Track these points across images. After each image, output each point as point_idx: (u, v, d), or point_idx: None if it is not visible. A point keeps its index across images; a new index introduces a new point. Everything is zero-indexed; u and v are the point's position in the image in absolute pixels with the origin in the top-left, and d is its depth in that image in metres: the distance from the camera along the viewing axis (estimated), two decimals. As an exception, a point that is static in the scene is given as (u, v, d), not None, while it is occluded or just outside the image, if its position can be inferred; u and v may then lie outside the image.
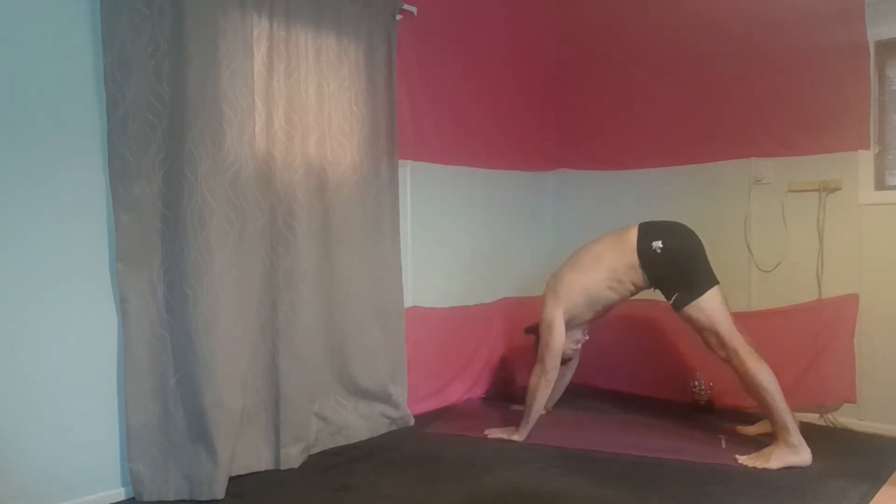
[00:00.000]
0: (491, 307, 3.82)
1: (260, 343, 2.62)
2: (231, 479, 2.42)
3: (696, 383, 3.39)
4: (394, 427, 3.11)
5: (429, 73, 3.41)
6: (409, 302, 3.29)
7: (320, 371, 2.84)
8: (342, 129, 2.91)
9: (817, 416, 3.15)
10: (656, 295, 3.16)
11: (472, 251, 3.73)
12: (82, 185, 2.23)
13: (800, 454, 2.60)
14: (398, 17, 3.14)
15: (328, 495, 2.36)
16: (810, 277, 3.19)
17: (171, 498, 2.32)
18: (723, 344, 2.75)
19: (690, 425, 3.12)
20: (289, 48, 2.68)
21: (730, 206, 3.44)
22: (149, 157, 2.31)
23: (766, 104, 3.31)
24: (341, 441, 2.89)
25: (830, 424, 3.11)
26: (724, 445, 2.84)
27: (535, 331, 3.10)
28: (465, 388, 3.66)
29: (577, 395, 3.67)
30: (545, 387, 2.91)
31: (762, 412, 2.81)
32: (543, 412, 3.27)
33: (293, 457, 2.63)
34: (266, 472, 2.58)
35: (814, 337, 3.16)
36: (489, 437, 2.98)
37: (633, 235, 2.91)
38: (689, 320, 2.82)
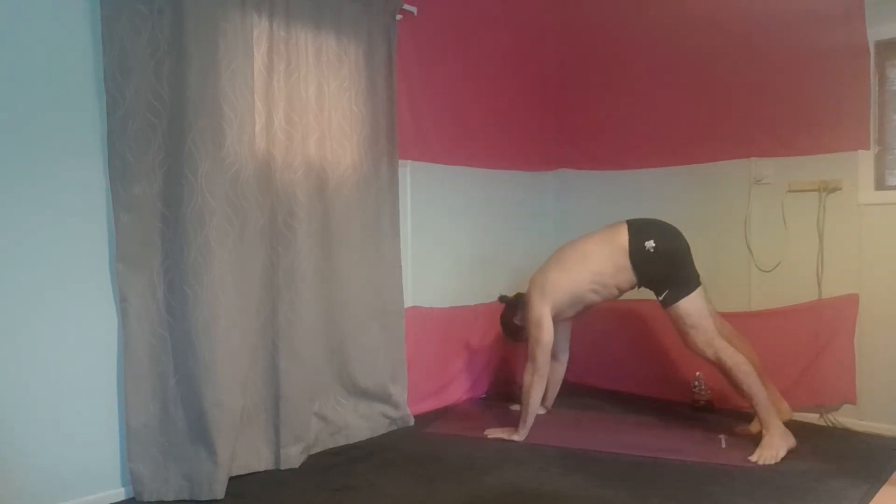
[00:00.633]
0: (491, 307, 3.81)
1: (260, 343, 2.62)
2: (231, 479, 2.42)
3: (696, 383, 3.38)
4: (394, 427, 3.11)
5: (429, 73, 3.41)
6: (409, 302, 3.29)
7: (320, 371, 2.84)
8: (342, 129, 2.91)
9: (817, 416, 3.14)
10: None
11: (472, 251, 3.73)
12: (82, 185, 2.23)
13: (788, 435, 2.71)
14: (398, 17, 3.14)
15: (328, 495, 2.36)
16: (810, 277, 3.19)
17: (171, 498, 2.32)
18: (709, 342, 2.80)
19: (690, 425, 3.12)
20: (289, 48, 2.68)
21: (730, 206, 3.44)
22: (149, 157, 2.32)
23: (766, 104, 3.31)
24: (341, 441, 2.89)
25: (830, 424, 3.11)
26: (723, 445, 2.84)
27: (507, 300, 3.20)
28: (465, 388, 3.66)
29: (576, 395, 3.68)
30: (539, 384, 2.92)
31: (746, 399, 2.82)
32: (543, 411, 3.28)
33: (293, 457, 2.63)
34: (266, 472, 2.58)
35: (814, 337, 3.16)
36: (489, 437, 2.98)
37: (624, 236, 2.92)
38: (678, 317, 2.85)
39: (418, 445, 2.89)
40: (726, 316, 3.24)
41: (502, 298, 3.26)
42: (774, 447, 2.66)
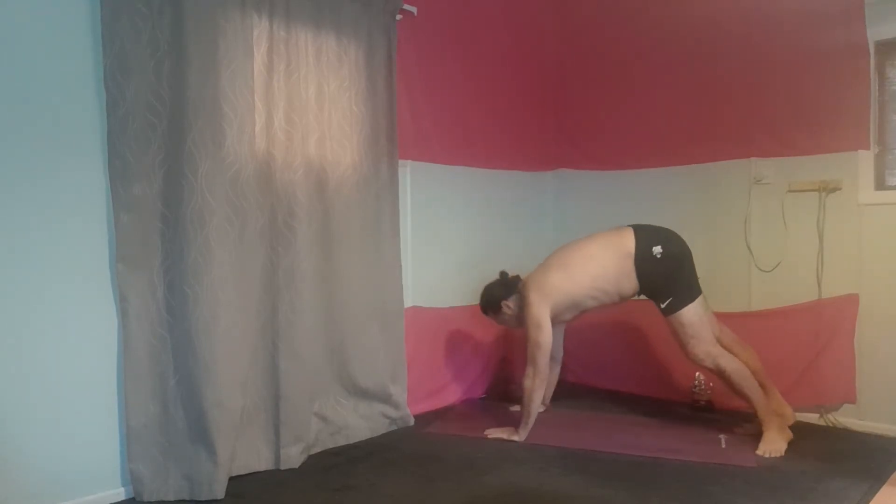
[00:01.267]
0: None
1: (260, 343, 2.62)
2: (231, 479, 2.42)
3: (696, 383, 3.38)
4: (394, 427, 3.11)
5: (429, 73, 3.41)
6: (409, 302, 3.29)
7: (320, 371, 2.84)
8: (342, 129, 2.91)
9: (817, 416, 3.15)
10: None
11: (472, 251, 3.72)
12: (82, 185, 2.23)
13: (785, 429, 2.79)
14: (398, 17, 3.14)
15: (328, 495, 2.36)
16: (810, 277, 3.19)
17: (171, 498, 2.32)
18: (708, 352, 2.84)
19: (690, 425, 3.12)
20: (289, 48, 2.68)
21: (730, 206, 3.44)
22: (149, 157, 2.31)
23: (766, 104, 3.31)
24: (341, 441, 2.89)
25: (830, 424, 3.11)
26: (723, 445, 2.84)
27: (506, 277, 3.17)
28: (465, 388, 3.66)
29: (576, 395, 3.68)
30: (540, 386, 2.91)
31: (745, 401, 2.86)
32: (542, 409, 3.28)
33: (293, 457, 2.63)
34: (266, 472, 2.58)
35: (814, 337, 3.16)
36: (489, 437, 2.98)
37: (630, 240, 2.90)
38: (680, 326, 2.87)
39: (418, 445, 2.89)
40: (726, 316, 3.24)
41: (503, 274, 3.21)
42: (776, 440, 2.72)
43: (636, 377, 3.73)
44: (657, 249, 2.86)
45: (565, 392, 3.61)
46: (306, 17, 2.75)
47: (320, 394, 2.86)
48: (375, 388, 3.04)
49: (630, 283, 2.91)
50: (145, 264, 2.32)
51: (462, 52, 3.60)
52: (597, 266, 2.93)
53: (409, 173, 3.34)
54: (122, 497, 2.33)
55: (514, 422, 3.03)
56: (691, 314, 2.85)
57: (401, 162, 3.19)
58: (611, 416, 3.33)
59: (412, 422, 3.17)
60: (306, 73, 2.75)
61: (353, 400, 2.99)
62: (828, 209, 3.15)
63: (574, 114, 4.11)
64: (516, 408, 3.26)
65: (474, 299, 3.70)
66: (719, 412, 3.29)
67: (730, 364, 2.81)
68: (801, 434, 2.79)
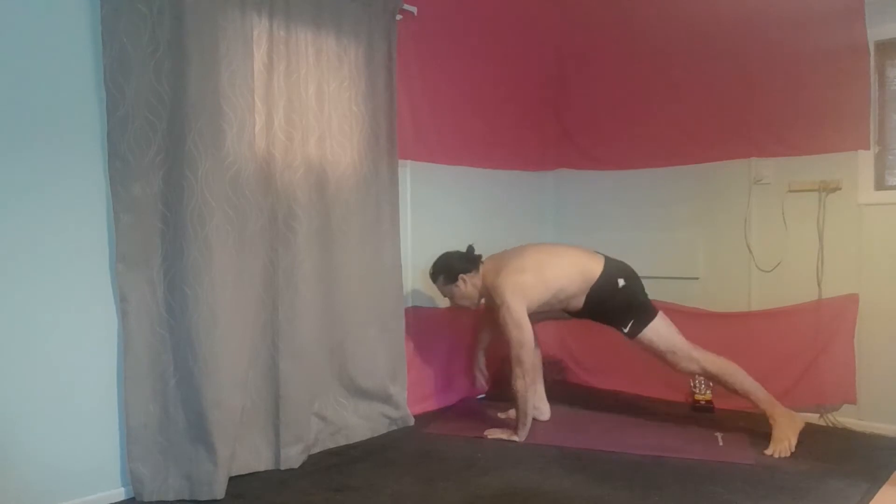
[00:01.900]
0: (491, 307, 3.82)
1: (260, 343, 2.62)
2: (231, 479, 2.42)
3: (696, 383, 3.38)
4: (394, 427, 3.11)
5: (429, 73, 3.41)
6: (409, 302, 3.29)
7: (320, 371, 2.84)
8: (342, 129, 2.91)
9: (817, 416, 3.15)
10: (657, 296, 3.17)
11: (472, 251, 3.72)
12: (82, 185, 2.22)
13: (796, 417, 2.79)
14: (398, 17, 3.14)
15: (328, 495, 2.36)
16: (810, 277, 3.19)
17: (171, 498, 2.32)
18: (689, 358, 2.89)
19: (690, 425, 3.12)
20: (289, 48, 2.68)
21: (730, 206, 3.44)
22: (149, 157, 2.31)
23: (766, 104, 3.31)
24: (341, 441, 2.89)
25: (830, 424, 3.11)
26: (721, 444, 2.84)
27: (471, 252, 3.10)
28: (465, 388, 3.66)
29: (576, 395, 3.68)
30: (531, 385, 2.92)
31: (747, 401, 2.89)
32: (545, 417, 3.25)
33: (293, 457, 2.63)
34: (266, 472, 2.58)
35: (814, 337, 3.16)
36: (489, 437, 2.98)
37: (598, 267, 2.98)
38: (650, 343, 2.94)
39: (418, 445, 2.89)
40: (726, 316, 3.25)
41: (470, 248, 3.14)
42: (786, 438, 2.72)
43: (636, 377, 3.72)
44: (621, 281, 2.96)
45: (566, 392, 3.61)
46: (306, 16, 2.75)
47: (320, 394, 2.86)
48: (375, 388, 3.04)
49: (577, 303, 3.01)
50: (145, 264, 2.32)
51: (462, 51, 3.60)
52: (565, 279, 2.97)
53: (409, 173, 3.34)
54: (122, 497, 2.33)
55: (514, 423, 3.03)
56: (657, 329, 2.93)
57: (401, 162, 3.19)
58: (611, 416, 3.33)
59: (412, 422, 3.17)
60: (306, 73, 2.75)
61: (353, 400, 2.98)
62: (828, 209, 3.15)
63: (574, 114, 4.11)
64: (506, 415, 3.26)
65: (474, 299, 3.72)
66: (719, 412, 3.29)
67: (714, 363, 2.86)
68: (802, 434, 2.79)
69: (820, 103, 3.15)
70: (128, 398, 2.29)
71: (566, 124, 4.15)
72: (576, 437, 2.96)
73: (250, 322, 2.56)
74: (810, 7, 3.16)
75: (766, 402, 2.82)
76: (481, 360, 3.45)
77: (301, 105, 2.71)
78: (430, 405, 3.43)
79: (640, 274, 3.07)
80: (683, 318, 3.22)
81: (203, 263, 2.34)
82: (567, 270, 2.98)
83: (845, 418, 3.10)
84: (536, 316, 3.08)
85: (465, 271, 3.07)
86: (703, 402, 3.36)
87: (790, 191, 3.24)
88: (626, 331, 2.95)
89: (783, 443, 2.71)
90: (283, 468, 2.60)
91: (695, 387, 3.39)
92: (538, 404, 3.21)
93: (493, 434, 2.99)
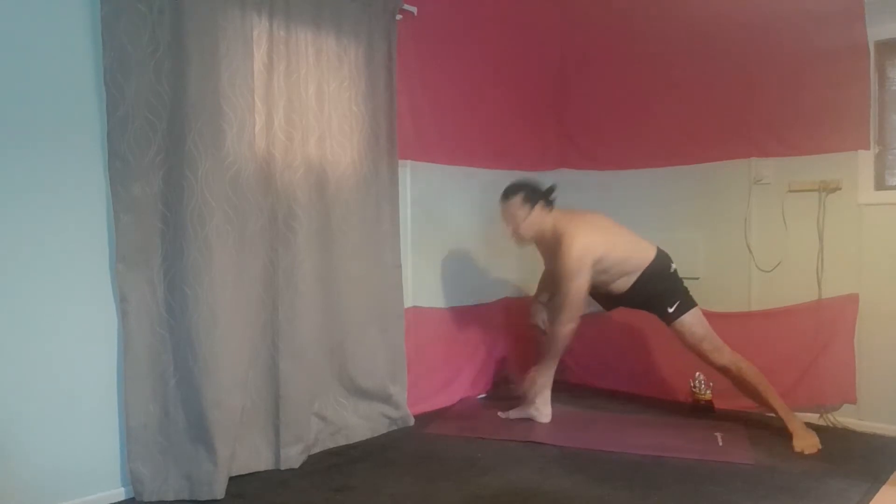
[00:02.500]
0: (491, 307, 3.82)
1: (260, 343, 2.62)
2: (231, 479, 2.41)
3: (696, 383, 3.38)
4: (394, 427, 3.11)
5: (429, 72, 3.41)
6: (409, 302, 3.29)
7: (320, 371, 2.84)
8: (342, 129, 2.91)
9: (817, 416, 3.14)
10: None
11: (472, 251, 3.73)
12: (82, 185, 2.22)
13: (810, 432, 2.82)
14: (398, 17, 3.14)
15: (328, 495, 2.36)
16: (810, 277, 3.19)
17: (171, 498, 2.32)
18: (719, 350, 2.93)
19: (690, 425, 3.12)
20: (289, 48, 2.68)
21: (730, 206, 3.44)
22: (149, 157, 2.31)
23: (766, 104, 3.31)
24: (341, 441, 2.89)
25: (830, 424, 3.11)
26: (720, 444, 2.84)
27: (552, 190, 3.09)
28: (465, 388, 3.66)
29: (576, 395, 3.68)
30: (570, 334, 2.97)
31: (766, 409, 2.95)
32: (545, 420, 3.24)
33: (293, 457, 2.63)
34: (266, 472, 2.58)
35: (814, 337, 3.16)
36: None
37: (651, 253, 3.05)
38: (689, 328, 2.96)
39: (418, 445, 2.89)
40: (726, 316, 3.25)
41: (551, 190, 3.13)
42: (808, 436, 2.78)
43: (636, 377, 3.73)
44: (673, 266, 3.04)
45: (565, 392, 3.60)
46: (306, 16, 2.75)
47: (320, 394, 2.86)
48: (375, 388, 3.04)
49: (626, 283, 3.03)
50: (145, 264, 2.32)
51: (462, 52, 3.60)
52: (629, 252, 3.01)
53: (409, 173, 3.34)
54: (122, 497, 2.33)
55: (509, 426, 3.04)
56: (697, 315, 2.97)
57: (401, 162, 3.19)
58: (611, 415, 3.33)
59: (412, 422, 3.17)
60: (306, 73, 2.75)
61: (353, 400, 2.98)
62: (828, 209, 3.15)
63: (574, 114, 4.11)
64: (505, 414, 3.25)
65: (474, 299, 3.72)
66: (719, 412, 3.29)
67: (750, 367, 2.91)
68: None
69: (820, 103, 3.15)
70: (128, 398, 2.29)
71: (566, 124, 4.15)
72: (576, 437, 2.96)
73: (250, 322, 2.56)
74: (810, 7, 3.16)
75: (783, 409, 2.87)
76: (541, 312, 3.39)
77: (301, 105, 2.71)
78: (430, 405, 3.43)
79: (640, 273, 3.07)
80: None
81: (203, 263, 2.34)
82: (631, 245, 3.04)
83: (845, 418, 3.10)
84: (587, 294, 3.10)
85: (545, 203, 3.08)
86: (703, 402, 3.36)
87: (790, 191, 3.24)
88: (671, 311, 2.96)
89: (808, 440, 2.75)
90: (283, 468, 2.60)
91: (695, 387, 3.39)
92: (541, 407, 3.20)
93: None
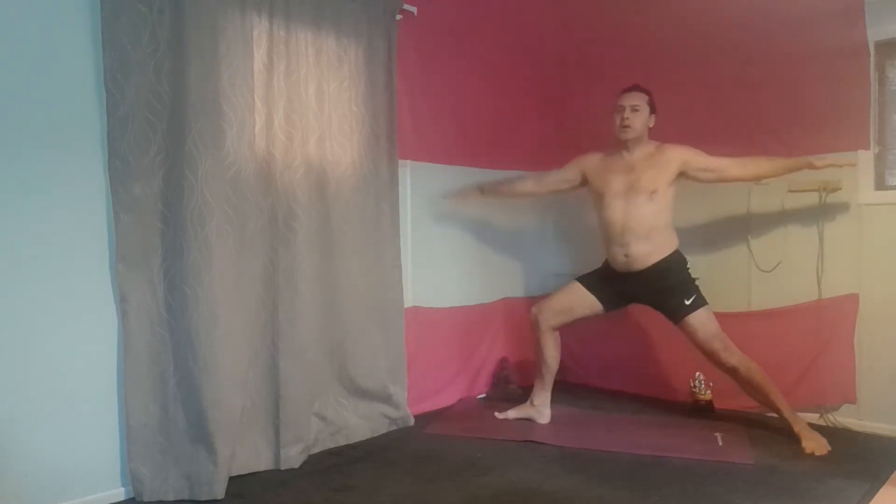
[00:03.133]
0: (491, 307, 3.82)
1: (260, 343, 2.62)
2: (231, 479, 2.42)
3: (696, 383, 3.38)
4: (394, 427, 3.11)
5: (429, 73, 3.41)
6: (409, 302, 3.29)
7: (320, 371, 2.84)
8: (342, 129, 2.91)
9: (817, 416, 3.14)
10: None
11: (472, 251, 3.73)
12: (82, 185, 2.23)
13: (817, 433, 2.83)
14: (398, 17, 3.14)
15: (328, 495, 2.36)
16: (810, 277, 3.19)
17: (171, 498, 2.32)
18: (729, 350, 2.91)
19: (690, 425, 3.12)
20: (289, 48, 2.68)
21: (730, 206, 3.44)
22: (149, 157, 2.31)
23: (767, 104, 3.31)
24: (341, 441, 2.89)
25: (830, 424, 3.11)
26: (720, 443, 2.84)
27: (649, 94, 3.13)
28: (465, 387, 3.66)
29: (576, 395, 3.68)
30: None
31: (771, 410, 2.96)
32: (545, 421, 3.24)
33: (293, 457, 2.63)
34: (266, 472, 2.58)
35: (814, 337, 3.16)
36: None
37: (677, 241, 3.11)
38: (701, 325, 2.94)
39: (418, 445, 2.89)
40: (726, 316, 3.24)
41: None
42: (816, 437, 2.78)
43: (636, 377, 3.73)
44: (689, 261, 3.07)
45: (565, 392, 3.60)
46: (306, 17, 2.75)
47: (320, 394, 2.86)
48: (375, 388, 3.04)
49: (647, 255, 3.01)
50: (145, 264, 2.32)
51: (462, 52, 3.60)
52: (670, 223, 3.09)
53: (409, 173, 3.34)
54: (122, 497, 2.33)
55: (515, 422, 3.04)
56: (709, 313, 2.97)
57: (401, 162, 3.19)
58: (611, 415, 3.33)
59: (412, 422, 3.17)
60: (306, 73, 2.75)
61: (353, 400, 2.98)
62: (828, 209, 3.15)
63: (574, 114, 4.10)
64: (503, 415, 3.25)
65: (475, 299, 3.72)
66: (719, 412, 3.29)
67: (759, 369, 2.91)
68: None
69: (820, 103, 3.15)
70: (128, 398, 2.29)
71: (566, 124, 4.14)
72: (576, 437, 2.96)
73: (250, 322, 2.56)
74: (810, 7, 3.16)
75: (789, 411, 2.87)
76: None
77: (301, 105, 2.71)
78: (430, 405, 3.43)
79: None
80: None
81: (203, 263, 2.34)
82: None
83: (845, 418, 3.10)
84: (569, 316, 3.17)
85: (653, 120, 3.14)
86: (703, 402, 3.36)
87: (790, 191, 3.24)
88: (688, 303, 2.95)
89: (817, 440, 2.76)
90: (283, 468, 2.60)
91: (695, 387, 3.39)
92: (541, 409, 3.21)
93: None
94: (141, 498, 2.30)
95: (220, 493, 2.32)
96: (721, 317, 3.11)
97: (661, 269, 2.99)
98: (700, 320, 2.94)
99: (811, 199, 3.19)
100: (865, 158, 3.06)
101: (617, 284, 3.11)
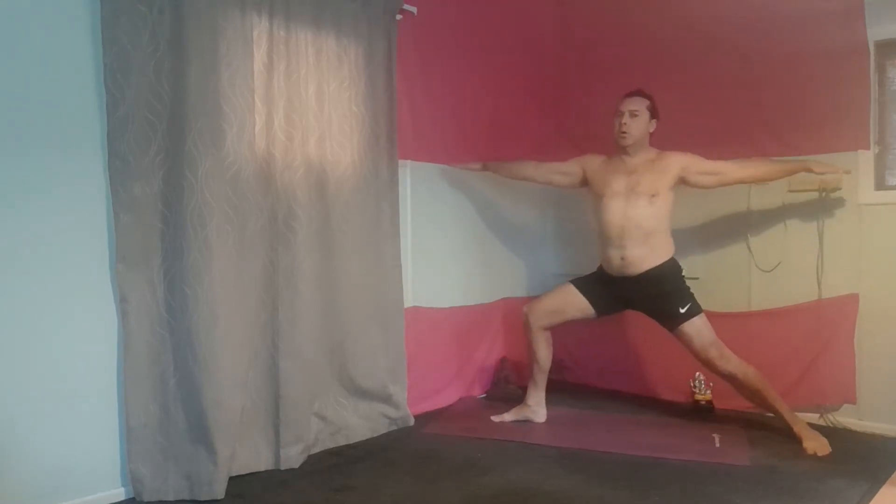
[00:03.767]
0: (491, 307, 3.82)
1: (260, 343, 2.62)
2: (231, 479, 2.41)
3: (696, 383, 3.38)
4: (394, 427, 3.11)
5: (429, 73, 3.41)
6: (409, 302, 3.29)
7: (320, 371, 2.84)
8: (342, 129, 2.91)
9: (817, 416, 3.14)
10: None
11: (472, 251, 3.73)
12: (82, 185, 2.22)
13: (818, 433, 2.82)
14: (398, 17, 3.14)
15: (328, 495, 2.36)
16: (810, 277, 3.19)
17: (171, 498, 2.32)
18: (726, 357, 2.90)
19: (690, 425, 3.12)
20: (289, 48, 2.68)
21: (730, 206, 3.44)
22: (149, 157, 2.31)
23: (766, 104, 3.31)
24: (341, 441, 2.89)
25: (830, 424, 3.11)
26: (717, 444, 2.84)
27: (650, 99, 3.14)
28: (465, 387, 3.66)
29: (576, 395, 3.68)
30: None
31: (769, 412, 2.95)
32: (541, 419, 3.24)
33: (293, 457, 2.63)
34: (266, 472, 2.58)
35: (814, 337, 3.16)
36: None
37: (672, 249, 3.10)
38: (696, 333, 2.93)
39: (418, 445, 2.89)
40: (726, 316, 3.25)
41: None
42: (817, 437, 2.78)
43: (636, 377, 3.73)
44: (690, 261, 3.11)
45: (565, 392, 3.61)
46: (306, 17, 2.75)
47: (320, 394, 2.86)
48: (375, 388, 3.04)
49: (642, 261, 3.00)
50: (145, 264, 2.32)
51: (462, 52, 3.60)
52: (668, 229, 3.09)
53: (409, 173, 3.34)
54: (122, 497, 2.33)
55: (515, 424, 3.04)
56: (705, 320, 2.96)
57: (401, 162, 3.19)
58: (611, 416, 3.33)
59: (412, 422, 3.17)
60: (306, 73, 2.75)
61: (353, 400, 2.98)
62: (828, 209, 3.15)
63: (574, 114, 4.10)
64: (500, 418, 3.25)
65: (475, 299, 3.72)
66: (718, 412, 3.29)
67: (756, 373, 2.90)
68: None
69: (820, 103, 3.15)
70: (128, 398, 2.29)
71: (566, 124, 4.14)
72: (576, 437, 2.96)
73: (250, 322, 2.55)
74: (810, 7, 3.16)
75: (788, 413, 2.87)
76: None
77: (301, 105, 2.71)
78: (430, 405, 3.43)
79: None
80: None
81: (203, 263, 2.34)
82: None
83: (845, 418, 3.10)
84: (560, 317, 3.16)
85: (654, 125, 3.13)
86: (702, 403, 3.36)
87: (790, 191, 3.24)
88: (683, 311, 2.93)
89: (818, 440, 2.75)
90: (283, 468, 2.60)
91: (694, 387, 3.39)
92: (536, 408, 3.21)
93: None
94: (141, 498, 2.30)
95: (220, 493, 2.32)
96: (721, 317, 3.12)
97: (656, 276, 2.98)
98: (695, 328, 2.94)
99: (811, 198, 3.19)
100: (865, 158, 3.06)
101: (611, 289, 3.10)
